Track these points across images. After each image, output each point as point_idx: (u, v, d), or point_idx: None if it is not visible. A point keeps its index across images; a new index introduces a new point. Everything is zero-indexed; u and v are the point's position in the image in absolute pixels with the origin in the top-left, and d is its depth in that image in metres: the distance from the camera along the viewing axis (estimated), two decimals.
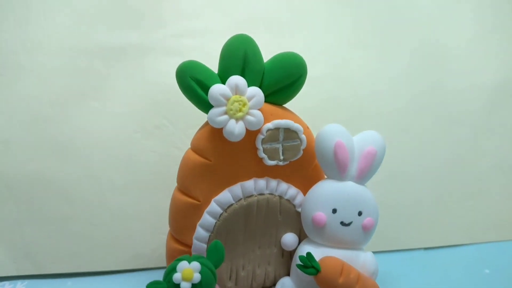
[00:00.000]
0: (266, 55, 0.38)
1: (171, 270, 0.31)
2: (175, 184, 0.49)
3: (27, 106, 0.47)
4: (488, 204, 0.52)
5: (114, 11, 0.50)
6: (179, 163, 0.49)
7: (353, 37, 0.54)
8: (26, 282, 0.45)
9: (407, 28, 0.55)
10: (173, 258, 0.38)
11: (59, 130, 0.48)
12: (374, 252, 0.47)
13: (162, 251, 0.47)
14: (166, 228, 0.48)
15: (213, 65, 0.38)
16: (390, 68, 0.54)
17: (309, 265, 0.34)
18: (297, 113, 0.40)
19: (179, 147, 0.49)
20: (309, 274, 0.34)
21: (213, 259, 0.33)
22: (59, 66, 0.49)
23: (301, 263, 0.35)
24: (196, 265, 0.31)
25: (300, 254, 0.37)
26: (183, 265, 0.31)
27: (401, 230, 0.50)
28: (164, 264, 0.47)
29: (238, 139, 0.35)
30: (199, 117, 0.51)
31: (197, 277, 0.30)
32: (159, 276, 0.45)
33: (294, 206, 0.39)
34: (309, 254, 0.34)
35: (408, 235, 0.50)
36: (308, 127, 0.39)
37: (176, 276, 0.30)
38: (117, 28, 0.50)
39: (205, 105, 0.35)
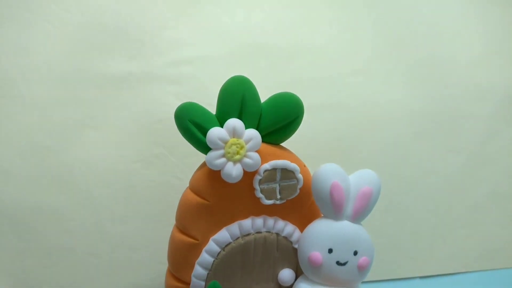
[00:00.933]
0: (263, 82, 0.39)
1: None
2: (174, 214, 0.50)
3: (26, 135, 0.48)
4: (482, 232, 0.52)
5: (113, 40, 0.50)
6: (178, 192, 0.50)
7: (351, 64, 0.55)
8: None
9: (408, 53, 0.56)
10: None
11: (59, 160, 0.48)
12: (371, 282, 0.49)
13: (161, 280, 0.47)
14: (164, 258, 0.48)
15: (211, 92, 0.38)
16: (387, 94, 0.55)
17: None
18: (294, 144, 0.41)
19: (178, 177, 0.50)
20: None
21: None
22: (58, 96, 0.49)
23: None
24: None
25: None
26: None
27: (398, 260, 0.51)
28: None
29: (236, 181, 0.36)
30: None
31: None
32: None
33: (291, 242, 0.40)
34: None
35: (405, 264, 0.50)
36: (305, 166, 0.39)
37: None
38: (116, 57, 0.50)
39: (203, 147, 0.36)
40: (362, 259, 0.37)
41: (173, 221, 0.49)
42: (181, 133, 0.37)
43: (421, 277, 0.51)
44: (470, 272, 0.51)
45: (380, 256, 0.49)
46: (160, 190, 0.49)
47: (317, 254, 0.37)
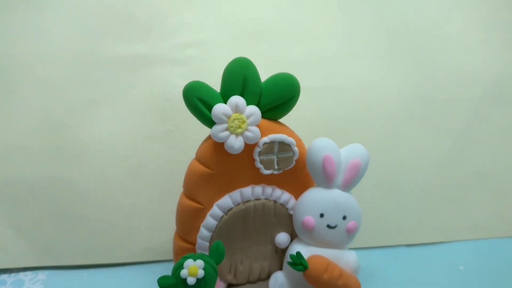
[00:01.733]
0: (264, 64, 0.42)
1: (179, 266, 0.36)
2: (181, 186, 0.54)
3: (43, 114, 0.52)
4: (466, 207, 0.56)
5: (123, 24, 0.54)
6: (185, 166, 0.54)
7: (348, 48, 0.58)
8: (47, 272, 0.50)
9: (401, 39, 0.59)
10: (180, 254, 0.43)
11: (74, 136, 0.52)
12: (359, 248, 0.53)
13: (169, 245, 0.52)
14: (173, 226, 0.53)
15: (215, 74, 0.42)
16: (382, 78, 0.58)
17: (298, 262, 0.39)
18: (293, 123, 0.44)
19: (185, 152, 0.54)
20: (298, 270, 0.39)
21: (215, 257, 0.38)
22: (72, 76, 0.53)
23: (291, 261, 0.40)
24: (200, 263, 0.36)
25: (291, 252, 0.42)
26: (189, 263, 0.36)
27: (386, 229, 0.55)
28: (170, 257, 0.52)
29: (238, 152, 0.40)
30: (202, 125, 0.56)
31: (201, 273, 0.35)
32: (166, 267, 0.51)
33: (287, 209, 0.44)
34: (298, 253, 0.40)
35: (392, 233, 0.55)
36: (300, 140, 0.43)
37: (183, 272, 0.35)
38: (126, 40, 0.54)
39: (208, 122, 0.40)
40: (350, 223, 0.41)
41: (179, 192, 0.53)
42: (189, 109, 0.41)
43: (407, 245, 0.55)
44: (452, 241, 0.55)
45: (368, 226, 0.53)
46: (168, 164, 0.53)
47: (310, 218, 0.41)
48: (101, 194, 0.52)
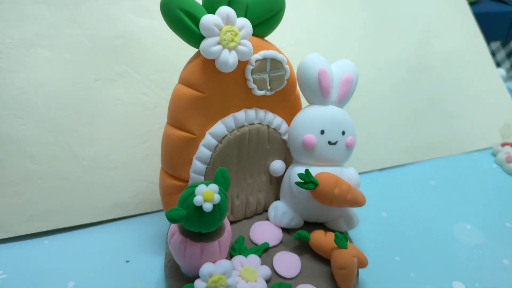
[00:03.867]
0: None
1: (189, 195, 0.31)
2: (146, 131, 0.48)
3: None
4: (424, 130, 0.60)
5: None
6: (147, 109, 0.49)
7: None
8: None
9: None
10: (170, 195, 0.39)
11: (10, 82, 0.43)
12: None
13: (143, 197, 0.46)
14: (143, 175, 0.47)
15: None
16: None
17: (307, 181, 0.37)
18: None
19: (146, 94, 0.48)
20: (308, 189, 0.37)
21: (221, 184, 0.34)
22: (1, 14, 0.44)
23: (300, 181, 0.37)
24: (214, 187, 0.32)
25: (292, 175, 0.39)
26: (201, 188, 0.31)
27: (360, 157, 0.55)
28: (145, 210, 0.47)
29: (232, 70, 0.36)
30: (162, 62, 0.50)
31: (217, 198, 0.31)
32: (142, 222, 0.45)
33: (280, 134, 0.42)
34: (307, 171, 0.37)
35: (365, 160, 0.56)
36: (288, 60, 0.41)
37: (198, 199, 0.31)
38: None
39: (194, 37, 0.35)
40: (349, 138, 0.40)
41: (146, 139, 0.48)
42: (170, 25, 0.35)
43: (379, 170, 0.56)
44: (420, 162, 0.59)
45: None
46: (128, 108, 0.47)
47: (311, 136, 0.39)
48: (52, 148, 0.44)
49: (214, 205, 0.31)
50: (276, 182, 0.43)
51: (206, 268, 0.33)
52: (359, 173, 0.52)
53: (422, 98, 0.61)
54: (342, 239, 0.36)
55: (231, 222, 0.42)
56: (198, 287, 0.33)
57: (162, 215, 0.46)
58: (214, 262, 0.34)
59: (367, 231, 0.46)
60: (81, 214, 0.44)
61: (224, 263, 0.34)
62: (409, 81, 0.61)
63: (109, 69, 0.47)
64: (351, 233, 0.45)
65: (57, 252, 0.41)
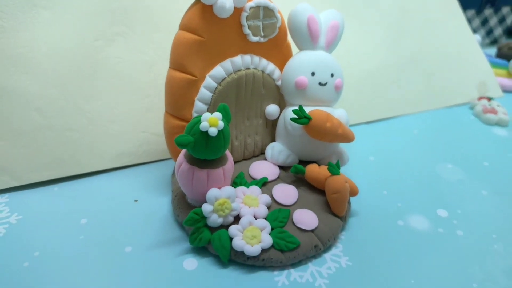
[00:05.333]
0: None
1: (195, 123, 0.34)
2: (146, 87, 0.51)
3: None
4: (408, 84, 0.64)
5: None
6: (145, 67, 0.51)
7: None
8: (7, 195, 0.43)
9: None
10: (174, 134, 0.41)
11: (15, 40, 0.45)
12: None
13: (146, 147, 0.49)
14: (146, 127, 0.50)
15: None
16: None
17: (301, 116, 0.40)
18: None
19: (143, 52, 0.51)
20: (302, 123, 0.40)
21: (224, 117, 0.37)
22: None
23: (295, 117, 0.41)
24: (218, 114, 0.35)
25: (287, 115, 0.43)
26: (207, 115, 0.34)
27: (348, 110, 0.59)
28: (150, 159, 0.49)
29: (229, 14, 0.39)
30: (158, 22, 0.53)
31: (221, 124, 0.34)
32: (148, 169, 0.48)
33: (274, 80, 0.45)
34: (300, 107, 0.41)
35: (353, 113, 0.59)
36: (279, 11, 0.44)
37: (204, 124, 0.34)
38: None
39: None
40: (337, 80, 0.44)
41: (144, 93, 0.50)
42: None
43: (366, 123, 0.60)
44: (403, 115, 0.63)
45: None
46: (128, 65, 0.50)
47: (303, 77, 0.42)
48: (58, 102, 0.46)
49: (218, 131, 0.34)
50: (272, 126, 0.46)
51: (212, 192, 0.36)
52: (350, 126, 0.56)
53: (405, 58, 0.65)
54: (335, 167, 0.40)
55: None
56: (205, 210, 0.36)
57: (167, 163, 0.49)
58: (219, 188, 0.37)
59: (356, 172, 0.49)
60: (88, 163, 0.46)
61: (228, 189, 0.37)
62: (392, 43, 0.64)
63: (107, 30, 0.49)
64: (341, 171, 0.48)
65: (67, 197, 0.43)
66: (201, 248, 0.37)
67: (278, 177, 0.43)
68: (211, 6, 0.39)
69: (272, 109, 0.45)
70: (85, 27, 0.49)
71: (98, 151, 0.47)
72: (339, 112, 0.44)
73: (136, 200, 0.43)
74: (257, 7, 0.41)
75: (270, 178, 0.43)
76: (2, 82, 0.44)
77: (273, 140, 0.46)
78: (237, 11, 0.40)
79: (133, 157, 0.48)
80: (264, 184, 0.42)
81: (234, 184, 0.41)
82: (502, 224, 0.43)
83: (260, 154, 0.47)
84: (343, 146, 0.46)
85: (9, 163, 0.44)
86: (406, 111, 0.63)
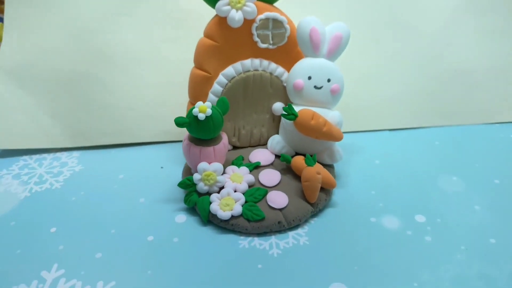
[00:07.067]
0: None
1: (191, 109, 0.44)
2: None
3: (76, 22, 0.60)
4: (442, 98, 0.64)
5: None
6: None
7: None
8: (80, 152, 0.59)
9: None
10: None
11: (102, 40, 0.60)
12: (348, 132, 0.61)
13: (184, 129, 0.60)
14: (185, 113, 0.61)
15: None
16: None
17: (290, 112, 0.47)
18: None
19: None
20: (289, 119, 0.47)
21: (220, 107, 0.46)
22: None
23: (284, 112, 0.48)
24: (208, 104, 0.44)
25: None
26: (199, 103, 0.44)
27: (371, 116, 0.62)
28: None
29: (239, 25, 0.48)
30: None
31: (209, 111, 0.44)
32: (179, 146, 0.59)
33: (281, 81, 0.52)
34: (289, 105, 0.47)
35: (376, 119, 0.62)
36: (291, 21, 0.51)
37: (195, 110, 0.43)
38: None
39: (212, 0, 0.48)
40: (334, 85, 0.49)
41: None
42: None
43: (390, 130, 0.62)
44: (430, 127, 0.63)
45: (354, 113, 0.61)
46: (181, 63, 0.61)
47: (300, 81, 0.49)
48: (125, 86, 0.60)
49: (207, 117, 0.44)
50: (278, 120, 0.54)
51: (201, 165, 0.46)
52: (369, 131, 0.60)
53: (447, 70, 0.64)
54: (310, 159, 0.46)
55: (238, 147, 0.54)
56: (195, 178, 0.46)
57: None
58: (209, 163, 0.46)
59: (355, 171, 0.53)
60: (140, 135, 0.60)
61: (216, 164, 0.46)
62: (434, 51, 0.65)
63: (171, 33, 0.62)
64: (342, 170, 0.53)
65: (117, 158, 0.57)
66: (191, 208, 0.47)
67: (272, 164, 0.51)
68: (225, 17, 0.48)
69: (277, 106, 0.52)
70: (154, 31, 0.62)
71: (149, 127, 0.60)
72: (332, 114, 0.49)
73: (162, 167, 0.55)
74: (267, 19, 0.49)
75: (263, 163, 0.50)
76: (88, 70, 0.60)
77: (277, 132, 0.53)
78: (249, 22, 0.49)
79: (174, 135, 0.60)
80: (256, 167, 0.50)
81: (232, 164, 0.50)
82: (478, 237, 0.43)
83: (265, 143, 0.54)
84: (339, 145, 0.51)
85: (85, 128, 0.60)
86: (437, 123, 0.63)
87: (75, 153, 0.59)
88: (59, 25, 0.60)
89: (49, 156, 0.58)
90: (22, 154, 0.59)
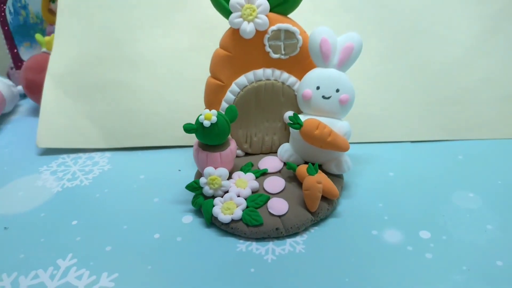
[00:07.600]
0: None
1: (198, 116, 0.47)
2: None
3: (110, 32, 0.66)
4: (470, 109, 0.61)
5: None
6: None
7: None
8: (111, 152, 0.64)
9: None
10: None
11: (134, 49, 0.65)
12: (367, 142, 0.60)
13: None
14: None
15: None
16: None
17: (295, 122, 0.48)
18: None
19: None
20: (295, 128, 0.48)
21: (228, 115, 0.48)
22: (133, 2, 0.67)
23: (290, 121, 0.49)
24: (214, 111, 0.46)
25: None
26: (206, 111, 0.46)
27: (393, 126, 0.61)
28: None
29: (250, 36, 0.50)
30: None
31: (214, 119, 0.46)
32: None
33: (293, 90, 0.53)
34: (295, 114, 0.48)
35: (398, 130, 0.61)
36: (305, 31, 0.52)
37: (201, 117, 0.46)
38: None
39: (227, 12, 0.50)
40: (343, 95, 0.49)
41: None
42: (213, 4, 0.51)
43: (412, 142, 0.61)
44: (456, 140, 0.60)
45: (376, 123, 0.60)
46: (205, 71, 0.64)
47: (308, 90, 0.50)
48: (152, 92, 0.64)
49: (212, 124, 0.46)
50: (290, 129, 0.54)
51: (208, 170, 0.48)
52: (390, 142, 0.60)
53: (478, 77, 0.61)
54: (312, 168, 0.46)
55: (250, 154, 0.55)
56: (201, 181, 0.48)
57: None
58: (215, 168, 0.48)
59: (366, 182, 0.53)
60: (164, 138, 0.64)
61: (222, 169, 0.48)
62: (467, 59, 0.62)
63: (198, 43, 0.66)
64: (353, 181, 0.53)
65: (142, 159, 0.62)
66: (198, 210, 0.50)
67: (279, 171, 0.52)
68: (238, 29, 0.50)
69: (287, 115, 0.53)
70: (183, 40, 0.66)
71: (172, 132, 0.64)
72: (340, 125, 0.49)
73: (179, 170, 0.58)
74: (279, 30, 0.50)
75: (270, 170, 0.52)
76: (120, 77, 0.65)
77: (288, 140, 0.54)
78: (261, 33, 0.50)
79: (193, 139, 0.63)
80: (263, 174, 0.51)
81: (240, 170, 0.52)
82: (483, 258, 0.41)
83: (277, 151, 0.55)
84: (351, 156, 0.51)
85: (116, 131, 0.65)
86: (464, 136, 0.60)
87: (107, 154, 0.64)
88: (98, 36, 0.66)
89: (84, 156, 0.64)
90: (61, 153, 0.65)
